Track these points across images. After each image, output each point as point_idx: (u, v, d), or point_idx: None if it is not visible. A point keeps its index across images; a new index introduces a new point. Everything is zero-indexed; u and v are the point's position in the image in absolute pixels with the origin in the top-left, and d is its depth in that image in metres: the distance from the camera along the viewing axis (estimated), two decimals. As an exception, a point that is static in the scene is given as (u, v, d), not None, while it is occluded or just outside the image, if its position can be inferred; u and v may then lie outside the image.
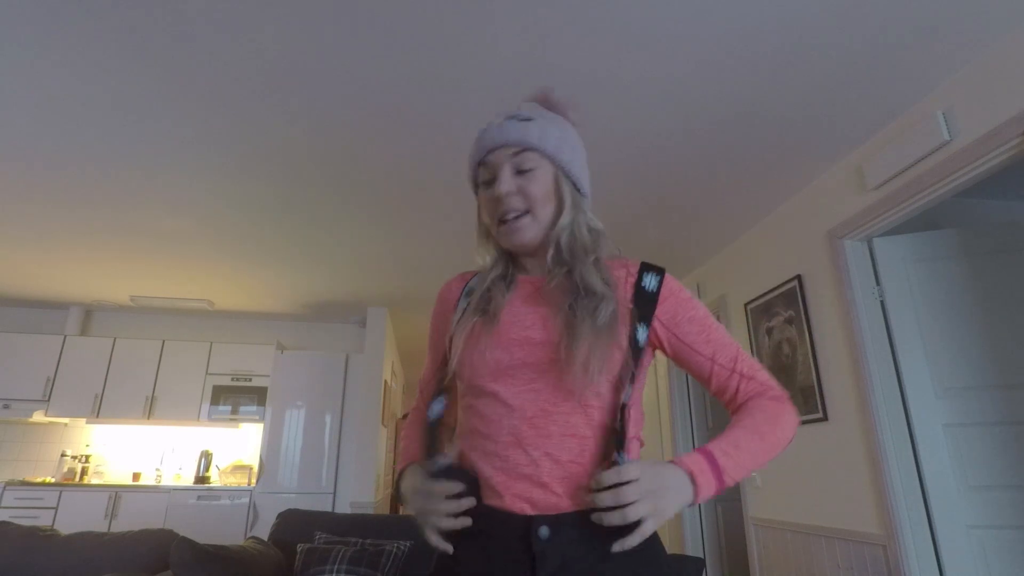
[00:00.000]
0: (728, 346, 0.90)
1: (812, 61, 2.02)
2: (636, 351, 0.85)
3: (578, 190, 0.93)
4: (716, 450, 0.79)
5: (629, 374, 0.83)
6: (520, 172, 0.89)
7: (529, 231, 0.90)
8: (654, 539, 0.79)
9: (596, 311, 0.83)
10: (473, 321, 0.88)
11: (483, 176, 0.93)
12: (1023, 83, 1.86)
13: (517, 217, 0.89)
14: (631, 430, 0.83)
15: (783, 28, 1.87)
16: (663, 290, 0.90)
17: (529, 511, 0.78)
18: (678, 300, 0.90)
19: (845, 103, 2.26)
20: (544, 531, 0.76)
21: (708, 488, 0.77)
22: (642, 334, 0.86)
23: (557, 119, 0.95)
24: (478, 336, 0.87)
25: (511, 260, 0.97)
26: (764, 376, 0.89)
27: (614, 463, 0.78)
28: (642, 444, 0.89)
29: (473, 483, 0.82)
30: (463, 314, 0.91)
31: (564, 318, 0.84)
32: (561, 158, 0.91)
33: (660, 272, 0.92)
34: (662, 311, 0.89)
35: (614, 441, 0.80)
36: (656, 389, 4.67)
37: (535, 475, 0.79)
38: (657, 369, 4.65)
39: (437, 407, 0.92)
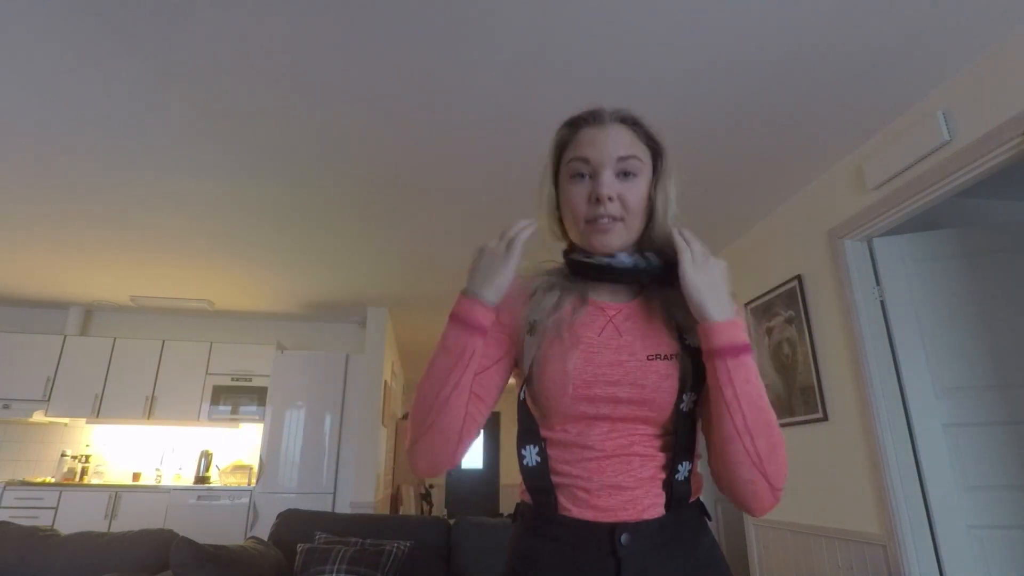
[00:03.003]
0: None
1: (812, 61, 2.02)
2: (694, 359, 0.84)
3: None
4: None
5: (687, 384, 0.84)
6: (622, 175, 0.86)
7: (619, 239, 0.86)
8: (714, 541, 0.86)
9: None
10: (551, 343, 0.85)
11: (577, 168, 0.87)
12: (1023, 83, 1.86)
13: (611, 220, 0.85)
14: (697, 434, 0.86)
15: (783, 29, 1.87)
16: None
17: (612, 519, 0.80)
18: None
19: (845, 103, 2.26)
20: (625, 538, 0.78)
21: (738, 329, 0.78)
22: (693, 339, 0.85)
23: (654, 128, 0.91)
24: (557, 364, 0.84)
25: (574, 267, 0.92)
26: None
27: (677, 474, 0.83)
28: (700, 456, 0.89)
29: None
30: (538, 328, 0.87)
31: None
32: (664, 167, 0.89)
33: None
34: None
35: (681, 448, 0.83)
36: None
37: (619, 486, 0.82)
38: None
39: (532, 453, 0.86)
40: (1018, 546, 2.13)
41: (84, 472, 4.83)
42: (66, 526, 4.23)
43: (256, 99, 2.24)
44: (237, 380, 5.08)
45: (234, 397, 5.02)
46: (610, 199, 0.84)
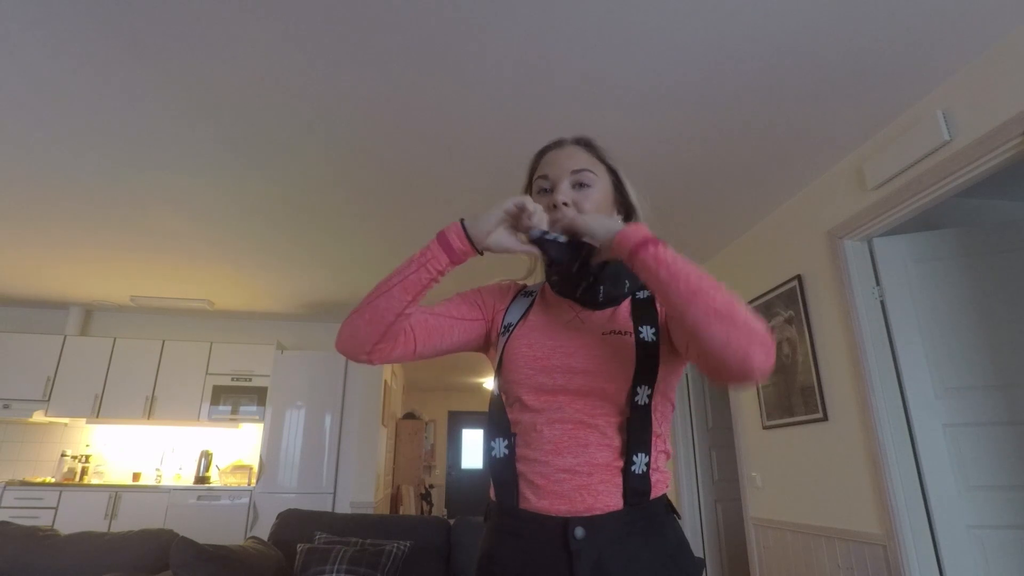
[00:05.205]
0: None
1: (812, 61, 2.02)
2: (647, 352, 0.89)
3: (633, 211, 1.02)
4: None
5: (645, 377, 0.87)
6: (578, 185, 0.96)
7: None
8: (682, 535, 0.90)
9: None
10: (519, 330, 0.96)
11: (541, 185, 0.99)
12: (1023, 83, 1.86)
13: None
14: (655, 428, 0.88)
15: (783, 29, 1.87)
16: None
17: (567, 512, 0.83)
18: None
19: (845, 103, 2.26)
20: (579, 531, 0.81)
21: (636, 232, 0.81)
22: (647, 333, 0.91)
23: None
24: (522, 341, 0.94)
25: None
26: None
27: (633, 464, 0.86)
28: (668, 455, 0.93)
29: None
30: (514, 323, 0.98)
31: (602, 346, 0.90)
32: (619, 176, 1.02)
33: None
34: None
35: (636, 439, 0.86)
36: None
37: (573, 470, 0.85)
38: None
39: (500, 446, 0.91)
40: (1018, 546, 2.13)
41: (84, 472, 4.83)
42: (66, 526, 4.24)
43: (256, 99, 2.24)
44: (237, 380, 5.08)
45: (234, 397, 5.02)
46: (565, 204, 0.94)
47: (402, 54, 1.99)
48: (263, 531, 4.42)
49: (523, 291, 1.05)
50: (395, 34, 1.90)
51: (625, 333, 0.91)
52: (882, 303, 2.50)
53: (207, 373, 5.05)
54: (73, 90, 2.18)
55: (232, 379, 5.08)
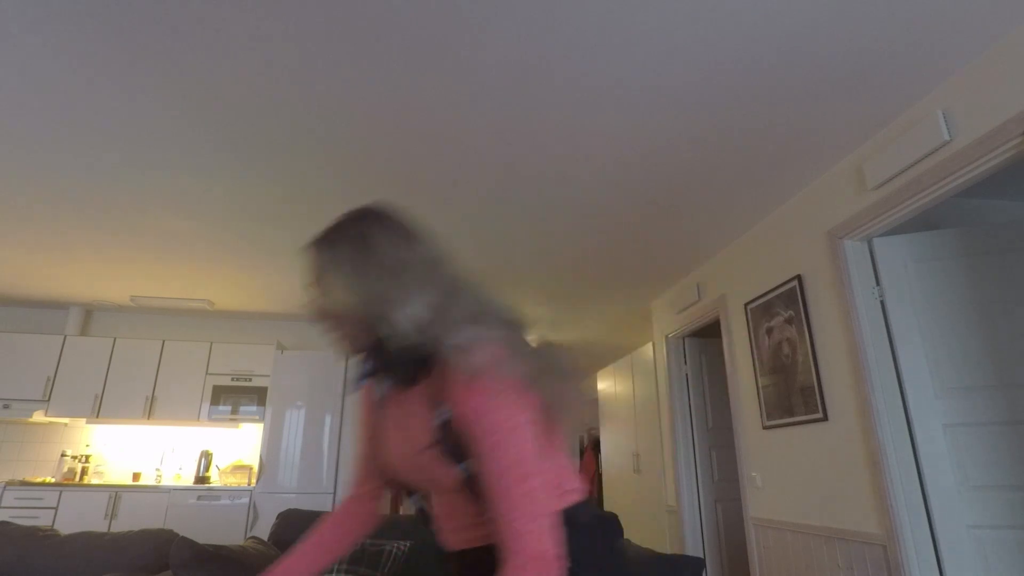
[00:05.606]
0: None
1: (812, 61, 2.02)
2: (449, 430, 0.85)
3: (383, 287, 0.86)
4: None
5: (456, 452, 0.85)
6: (323, 295, 0.90)
7: (350, 347, 0.93)
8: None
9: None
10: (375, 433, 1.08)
11: None
12: (1023, 83, 1.86)
13: (334, 338, 0.93)
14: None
15: (783, 29, 1.87)
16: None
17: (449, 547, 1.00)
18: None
19: (845, 103, 2.26)
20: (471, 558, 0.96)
21: None
22: (445, 414, 0.85)
23: (347, 235, 0.90)
24: (381, 451, 1.04)
25: None
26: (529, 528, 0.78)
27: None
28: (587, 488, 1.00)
29: None
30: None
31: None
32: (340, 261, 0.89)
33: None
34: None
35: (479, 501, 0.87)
36: (656, 388, 4.67)
37: (445, 529, 1.01)
38: (657, 368, 4.65)
39: (415, 499, 1.06)
40: (1018, 546, 2.13)
41: (84, 472, 4.83)
42: (66, 526, 4.24)
43: (256, 99, 2.24)
44: (237, 380, 5.08)
45: (234, 397, 5.02)
46: (321, 322, 0.92)
47: (402, 54, 1.99)
48: (263, 531, 4.42)
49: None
50: (395, 34, 1.90)
51: (433, 444, 0.87)
52: (882, 303, 2.50)
53: (207, 373, 5.05)
54: (73, 90, 2.19)
55: (232, 379, 5.07)
